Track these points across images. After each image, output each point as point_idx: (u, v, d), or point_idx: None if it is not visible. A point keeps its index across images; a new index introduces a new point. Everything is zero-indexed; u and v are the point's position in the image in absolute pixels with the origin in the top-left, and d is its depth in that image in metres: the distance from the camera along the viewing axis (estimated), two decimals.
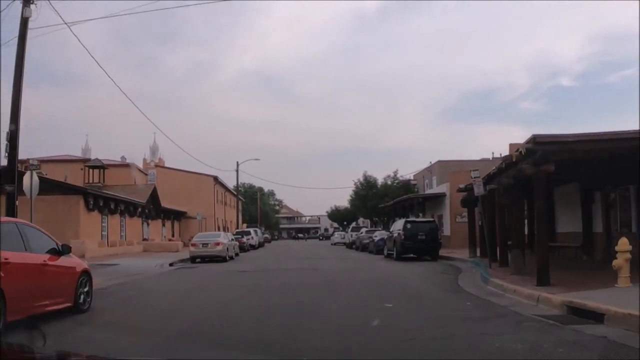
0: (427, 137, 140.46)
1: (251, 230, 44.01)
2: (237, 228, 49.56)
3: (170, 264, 22.47)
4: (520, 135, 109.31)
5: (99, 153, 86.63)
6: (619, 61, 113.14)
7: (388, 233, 26.81)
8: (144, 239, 36.47)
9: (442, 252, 23.89)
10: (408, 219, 24.20)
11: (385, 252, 26.25)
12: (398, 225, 24.20)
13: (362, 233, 37.21)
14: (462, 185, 21.04)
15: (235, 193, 60.09)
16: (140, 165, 58.46)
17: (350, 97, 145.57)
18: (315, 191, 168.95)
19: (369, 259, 25.21)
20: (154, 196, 39.01)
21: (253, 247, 42.37)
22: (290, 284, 13.51)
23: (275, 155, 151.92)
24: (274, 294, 11.81)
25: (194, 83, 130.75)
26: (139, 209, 35.82)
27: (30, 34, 13.91)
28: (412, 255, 23.25)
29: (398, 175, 52.42)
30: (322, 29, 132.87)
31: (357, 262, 23.51)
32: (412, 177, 53.40)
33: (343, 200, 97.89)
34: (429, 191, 41.11)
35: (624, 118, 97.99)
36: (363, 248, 34.52)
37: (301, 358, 5.81)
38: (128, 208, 33.62)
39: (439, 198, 34.55)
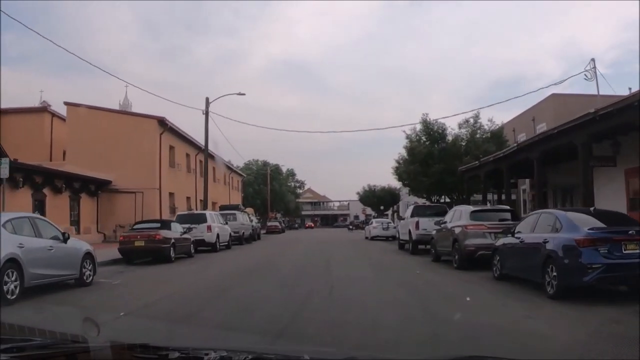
0: (455, 126, 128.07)
1: (208, 214, 22.04)
2: (205, 208, 27.79)
3: None
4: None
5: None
6: None
7: None
8: None
9: None
10: None
11: None
12: None
13: (444, 222, 14.96)
14: None
15: (227, 163, 37.66)
16: None
17: (376, 86, 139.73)
18: (344, 176, 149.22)
19: None
20: None
21: (213, 246, 21.03)
22: None
23: (300, 142, 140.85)
24: None
25: (220, 72, 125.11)
26: None
27: None
28: None
29: (479, 121, 29.75)
30: (350, 18, 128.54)
31: None
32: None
33: (379, 181, 75.64)
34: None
35: None
36: (468, 260, 12.58)
37: None
38: None
39: None
